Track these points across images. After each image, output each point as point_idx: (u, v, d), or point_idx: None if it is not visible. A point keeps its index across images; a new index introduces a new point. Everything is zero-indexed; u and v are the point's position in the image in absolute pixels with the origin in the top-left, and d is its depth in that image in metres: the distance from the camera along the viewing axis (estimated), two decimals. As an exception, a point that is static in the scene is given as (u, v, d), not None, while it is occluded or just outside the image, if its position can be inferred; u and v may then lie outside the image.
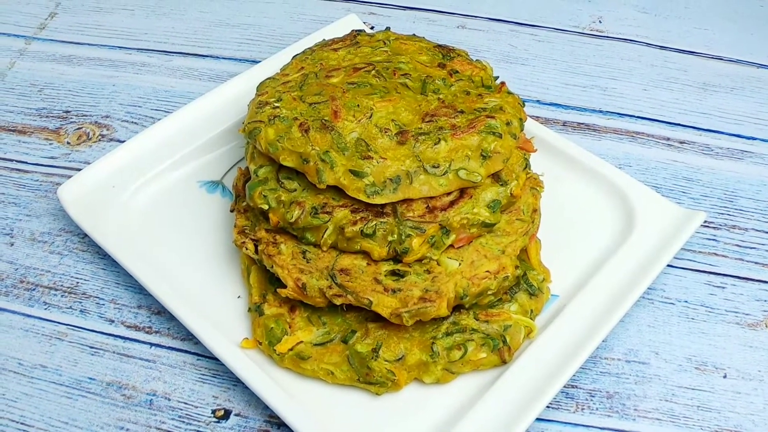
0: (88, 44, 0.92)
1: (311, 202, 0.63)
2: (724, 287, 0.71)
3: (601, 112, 0.86)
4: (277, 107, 0.67)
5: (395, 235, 0.62)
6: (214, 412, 0.62)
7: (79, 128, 0.82)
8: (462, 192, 0.65)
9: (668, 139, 0.84)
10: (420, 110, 0.67)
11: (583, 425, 0.62)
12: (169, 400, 0.62)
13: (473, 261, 0.64)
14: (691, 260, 0.73)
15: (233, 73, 0.89)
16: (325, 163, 0.63)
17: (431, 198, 0.64)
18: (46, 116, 0.84)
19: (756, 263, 0.73)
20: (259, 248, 0.64)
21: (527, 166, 0.69)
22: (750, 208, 0.77)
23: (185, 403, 0.62)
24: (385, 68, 0.71)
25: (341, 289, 0.61)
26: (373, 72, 0.70)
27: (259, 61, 0.90)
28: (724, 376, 0.65)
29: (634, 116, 0.86)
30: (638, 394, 0.63)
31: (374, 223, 0.62)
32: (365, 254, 0.63)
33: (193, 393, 0.62)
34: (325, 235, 0.63)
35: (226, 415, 0.61)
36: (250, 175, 0.71)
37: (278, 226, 0.64)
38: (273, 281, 0.65)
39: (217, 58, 0.91)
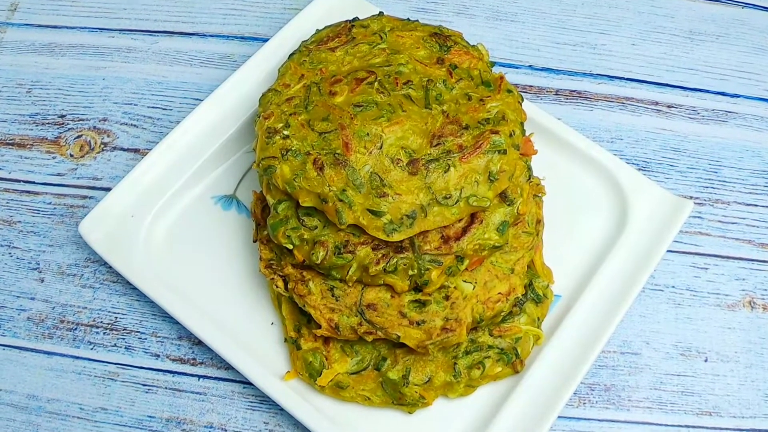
0: (67, 27, 0.89)
1: (333, 239, 0.67)
2: (707, 268, 0.78)
3: (591, 75, 0.88)
4: (287, 137, 0.69)
5: (415, 269, 0.67)
6: (266, 438, 0.70)
7: (78, 136, 0.82)
8: (473, 216, 0.69)
9: (657, 103, 0.87)
10: (427, 130, 0.69)
11: (585, 419, 0.71)
12: (226, 430, 0.70)
13: (486, 282, 0.69)
14: (678, 242, 0.79)
15: (223, 54, 0.88)
16: (343, 203, 0.66)
17: (445, 227, 0.68)
18: (42, 123, 0.83)
19: (736, 239, 0.79)
20: (289, 286, 0.69)
21: (530, 176, 0.73)
22: (732, 179, 0.83)
23: (240, 432, 0.70)
24: (386, 75, 0.72)
25: (371, 326, 0.67)
26: (376, 84, 0.71)
27: (248, 38, 0.89)
28: (705, 360, 0.74)
29: (623, 78, 0.88)
30: (631, 385, 0.73)
31: (395, 260, 0.67)
32: (388, 286, 0.69)
33: (245, 421, 0.70)
34: (350, 272, 0.68)
35: (278, 439, 0.70)
36: (266, 201, 0.74)
37: (304, 263, 0.69)
38: (305, 312, 0.71)
39: (204, 36, 0.89)
